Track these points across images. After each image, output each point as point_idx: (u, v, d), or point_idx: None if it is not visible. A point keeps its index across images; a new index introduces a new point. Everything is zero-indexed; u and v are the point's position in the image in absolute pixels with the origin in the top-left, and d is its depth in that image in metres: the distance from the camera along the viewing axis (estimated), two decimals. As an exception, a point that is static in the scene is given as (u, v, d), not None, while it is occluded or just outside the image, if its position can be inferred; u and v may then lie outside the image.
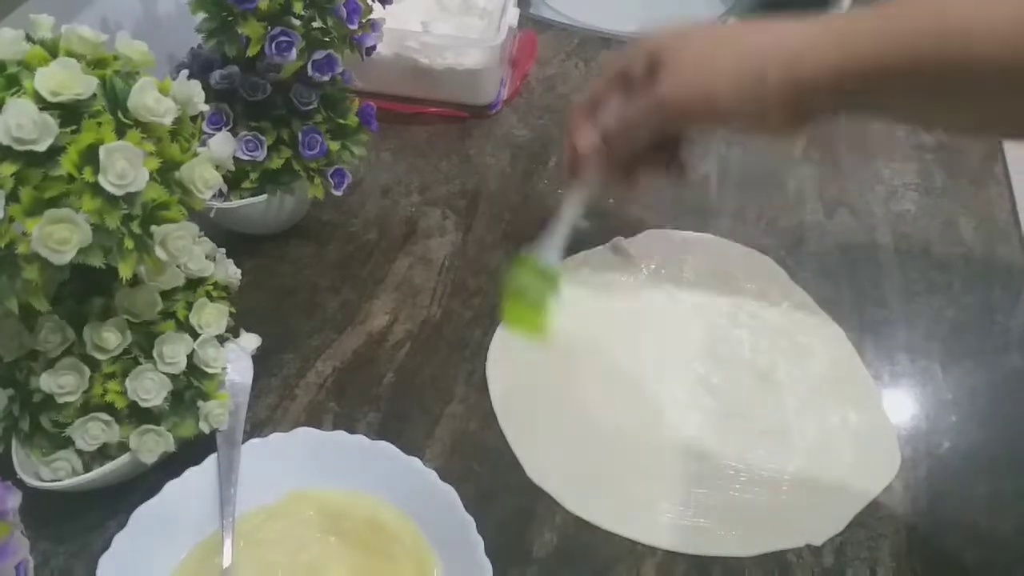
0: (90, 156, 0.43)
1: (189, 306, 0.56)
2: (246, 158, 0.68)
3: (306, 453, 0.58)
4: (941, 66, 0.48)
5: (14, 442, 0.54)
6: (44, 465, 0.53)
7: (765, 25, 0.55)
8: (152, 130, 0.46)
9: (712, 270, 0.77)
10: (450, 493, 0.55)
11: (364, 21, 0.69)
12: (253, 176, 0.70)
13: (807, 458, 0.63)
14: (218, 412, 0.56)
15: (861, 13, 0.51)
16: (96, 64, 0.46)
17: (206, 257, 0.59)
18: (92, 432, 0.52)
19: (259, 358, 0.62)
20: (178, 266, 0.55)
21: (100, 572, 0.51)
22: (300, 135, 0.70)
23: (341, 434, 0.59)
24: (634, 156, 0.62)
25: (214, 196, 0.50)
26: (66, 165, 0.42)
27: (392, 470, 0.57)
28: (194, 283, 0.57)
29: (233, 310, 0.59)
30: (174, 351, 0.53)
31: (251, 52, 0.64)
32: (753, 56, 0.53)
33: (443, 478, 0.56)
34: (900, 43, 0.49)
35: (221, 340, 0.57)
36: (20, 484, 0.51)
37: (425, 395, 0.66)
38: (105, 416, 0.52)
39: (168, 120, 0.46)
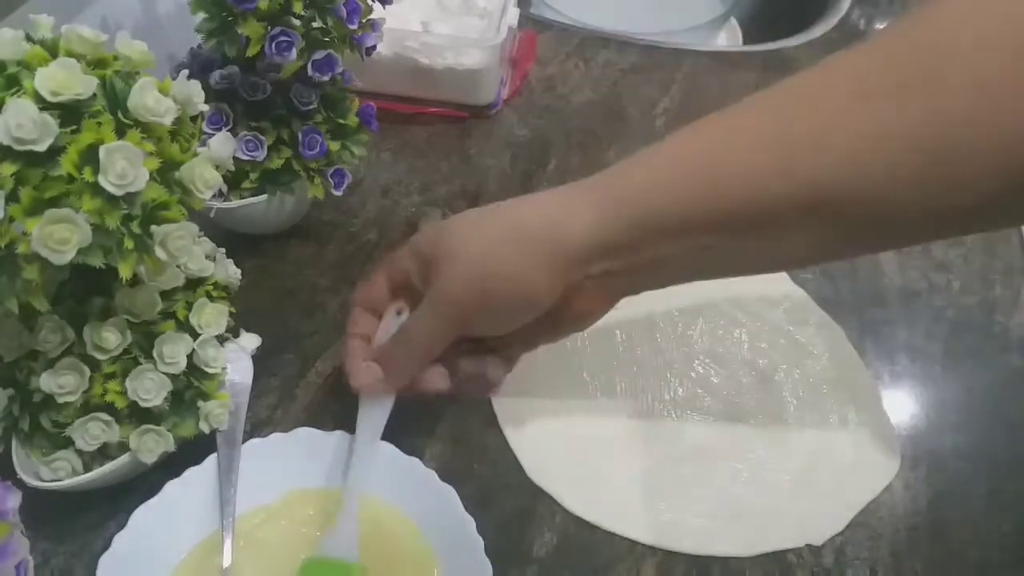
0: (90, 156, 0.43)
1: (189, 306, 0.56)
2: (246, 158, 0.68)
3: (306, 453, 0.59)
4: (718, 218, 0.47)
5: (14, 442, 0.54)
6: (44, 465, 0.53)
7: (529, 199, 0.53)
8: (152, 130, 0.46)
9: (712, 270, 0.77)
10: (450, 493, 0.55)
11: (364, 21, 0.68)
12: (253, 176, 0.70)
13: (807, 458, 0.63)
14: (218, 412, 0.56)
15: (627, 171, 0.51)
16: (96, 64, 0.46)
17: (206, 257, 0.59)
18: (92, 432, 0.52)
19: (259, 358, 0.62)
20: (178, 266, 0.55)
21: (100, 572, 0.51)
22: (300, 135, 0.70)
23: (341, 434, 0.59)
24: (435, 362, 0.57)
25: (214, 196, 0.50)
26: (66, 165, 0.42)
27: (392, 470, 0.57)
28: (194, 283, 0.57)
29: (233, 310, 0.59)
30: (174, 351, 0.53)
31: (251, 52, 0.64)
32: (520, 235, 0.51)
33: (443, 478, 0.56)
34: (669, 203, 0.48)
35: (221, 340, 0.57)
36: (20, 484, 0.51)
37: (425, 396, 0.66)
38: (105, 416, 0.52)
39: (168, 120, 0.46)
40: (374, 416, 0.59)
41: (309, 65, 0.67)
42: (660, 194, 0.49)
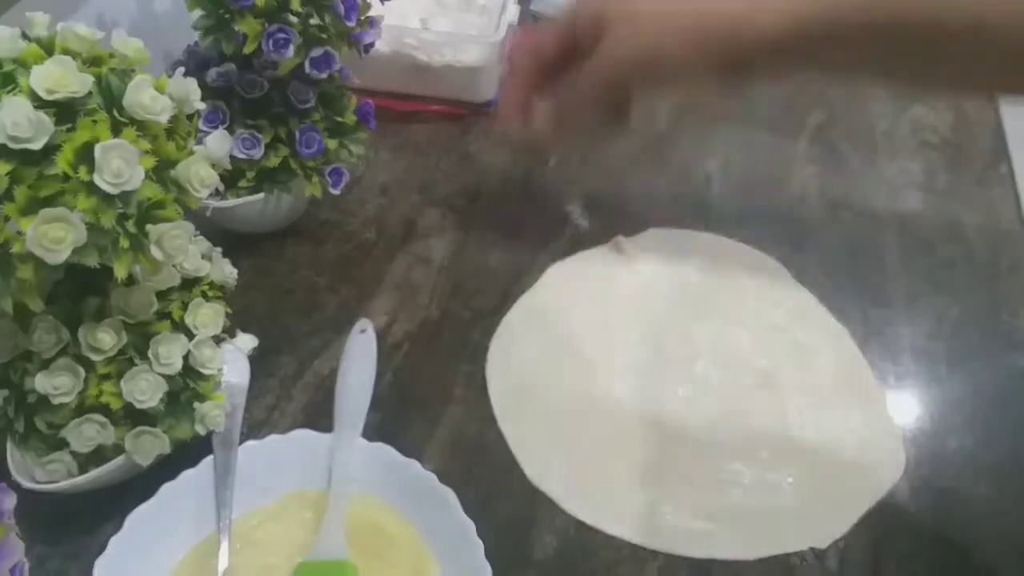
0: (85, 154, 0.42)
1: (185, 306, 0.55)
2: (243, 156, 0.68)
3: (303, 455, 0.58)
4: (899, 29, 0.49)
5: (9, 444, 0.54)
6: (39, 467, 0.53)
7: None
8: (148, 128, 0.46)
9: (714, 270, 0.76)
10: (449, 495, 0.55)
11: (362, 18, 0.68)
12: (250, 175, 0.69)
13: (810, 460, 0.63)
14: (214, 414, 0.55)
15: None
16: (92, 62, 0.46)
17: (202, 256, 0.58)
18: (87, 434, 0.52)
19: (256, 359, 0.62)
20: (174, 266, 0.55)
21: (96, 575, 0.50)
22: (298, 133, 0.69)
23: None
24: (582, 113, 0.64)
25: (210, 195, 0.50)
26: (61, 164, 0.42)
27: (391, 473, 0.57)
28: (190, 283, 0.57)
29: (229, 310, 0.59)
30: (170, 352, 0.53)
31: (248, 49, 0.63)
32: (698, 16, 0.54)
33: (442, 480, 0.55)
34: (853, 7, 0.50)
35: (217, 341, 0.57)
36: (15, 486, 0.51)
37: (424, 396, 0.66)
38: (100, 417, 0.52)
39: (164, 118, 0.46)
40: (354, 413, 0.60)
41: (307, 62, 0.66)
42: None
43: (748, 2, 0.53)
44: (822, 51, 0.52)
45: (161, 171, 0.46)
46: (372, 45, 0.71)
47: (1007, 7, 0.47)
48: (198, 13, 0.64)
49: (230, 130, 0.68)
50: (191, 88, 0.49)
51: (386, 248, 0.77)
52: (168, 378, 0.53)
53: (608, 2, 0.58)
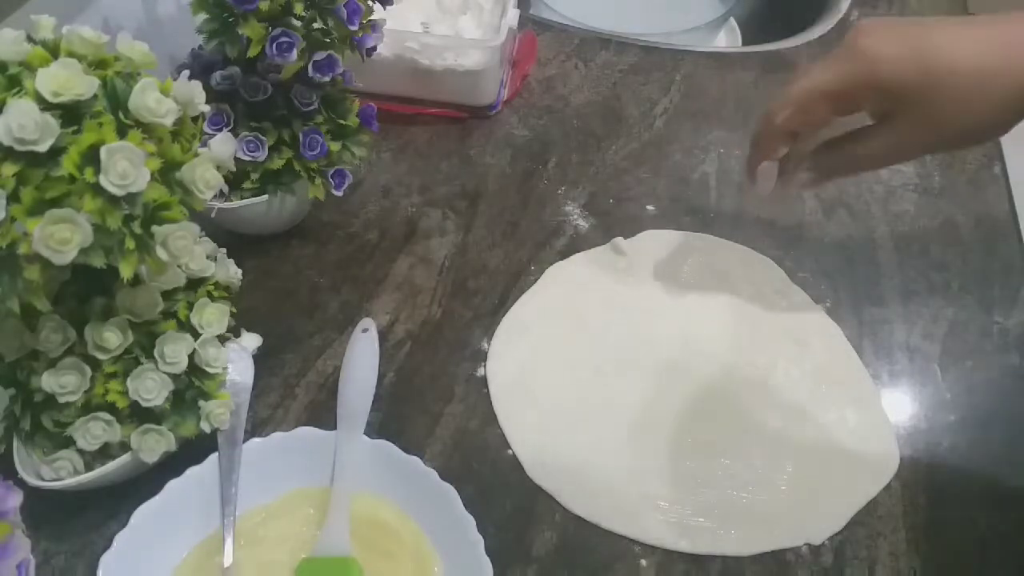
0: (91, 156, 0.43)
1: (190, 306, 0.56)
2: (247, 158, 0.68)
3: (307, 452, 0.59)
4: None
5: (15, 442, 0.55)
6: (45, 464, 0.53)
7: (1002, 36, 0.53)
8: (153, 131, 0.46)
9: (711, 270, 0.77)
10: (450, 492, 0.55)
11: (365, 22, 0.69)
12: (254, 176, 0.70)
13: (806, 457, 0.63)
14: (219, 412, 0.56)
15: None
16: (97, 65, 0.46)
17: (207, 257, 0.59)
18: (93, 432, 0.52)
19: (260, 358, 0.62)
20: (179, 266, 0.56)
21: (101, 571, 0.51)
22: (301, 135, 0.70)
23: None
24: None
25: (215, 196, 0.50)
26: (67, 165, 0.42)
27: (392, 469, 0.58)
28: (195, 283, 0.58)
29: (234, 310, 0.59)
30: (175, 351, 0.53)
31: (252, 53, 0.64)
32: (1013, 76, 0.52)
33: (443, 477, 0.56)
34: None
35: (222, 340, 0.57)
36: (21, 484, 0.51)
37: (425, 395, 0.66)
38: (106, 416, 0.52)
39: (169, 121, 0.46)
40: (356, 411, 0.61)
41: (310, 66, 0.67)
42: None
43: None
44: None
45: (166, 173, 0.47)
46: (374, 49, 0.72)
47: None
48: (202, 17, 0.64)
49: (234, 132, 0.69)
50: (196, 91, 0.49)
51: (388, 249, 0.78)
52: (174, 377, 0.54)
53: (905, 69, 0.54)
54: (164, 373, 0.53)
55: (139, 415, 0.53)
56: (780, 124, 0.61)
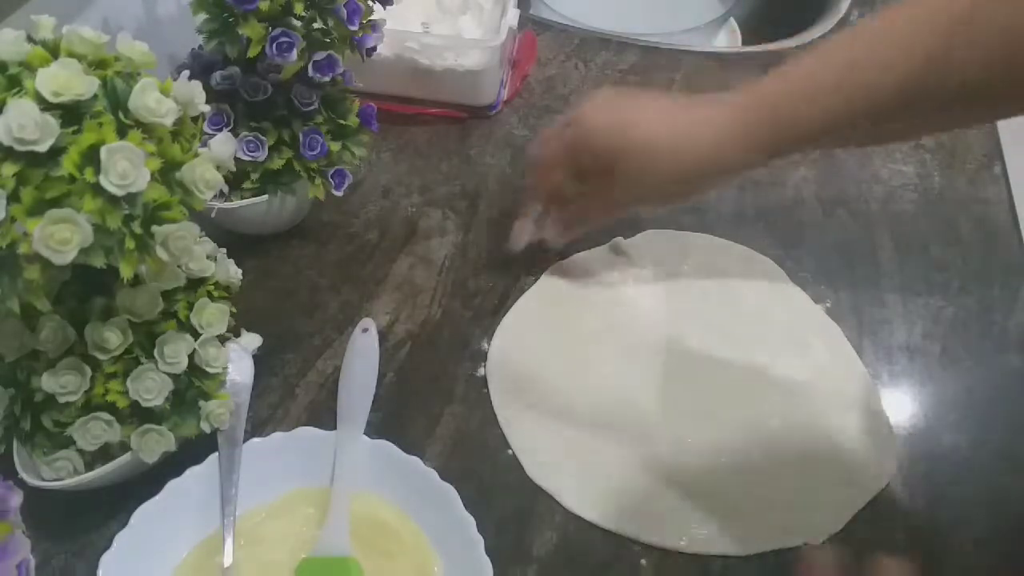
0: (91, 157, 0.43)
1: (190, 306, 0.56)
2: (247, 158, 0.68)
3: (307, 452, 0.59)
4: (853, 118, 0.58)
5: (15, 442, 0.55)
6: (45, 465, 0.53)
7: (700, 116, 0.63)
8: (153, 131, 0.46)
9: (711, 270, 0.77)
10: (450, 492, 0.55)
11: (365, 22, 0.69)
12: (254, 176, 0.70)
13: (806, 457, 0.64)
14: (219, 412, 0.56)
15: (773, 85, 0.60)
16: (97, 65, 0.46)
17: (207, 257, 0.59)
18: (93, 432, 0.52)
19: (260, 358, 0.62)
20: (179, 266, 0.56)
21: (101, 571, 0.51)
22: (301, 135, 0.70)
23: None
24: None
25: (215, 196, 0.50)
26: (67, 165, 0.42)
27: (392, 469, 0.58)
28: (195, 283, 0.58)
29: (234, 310, 0.59)
30: (175, 351, 0.53)
31: (252, 53, 0.64)
32: (702, 165, 0.63)
33: (443, 477, 0.56)
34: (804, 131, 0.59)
35: (222, 340, 0.57)
36: (21, 484, 0.52)
37: (425, 395, 0.66)
38: (106, 416, 0.52)
39: (169, 121, 0.46)
40: (356, 411, 0.61)
41: (310, 66, 0.67)
42: (805, 118, 0.59)
43: (733, 140, 0.61)
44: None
45: (166, 173, 0.47)
46: (374, 49, 0.72)
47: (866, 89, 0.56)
48: (202, 17, 0.64)
49: (234, 132, 0.69)
50: (196, 91, 0.49)
51: (388, 249, 0.78)
52: (174, 377, 0.54)
53: (612, 138, 0.64)
54: (164, 373, 0.53)
55: (139, 415, 0.53)
56: (527, 188, 0.72)
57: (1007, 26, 0.50)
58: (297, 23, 0.65)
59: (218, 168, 0.50)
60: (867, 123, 0.58)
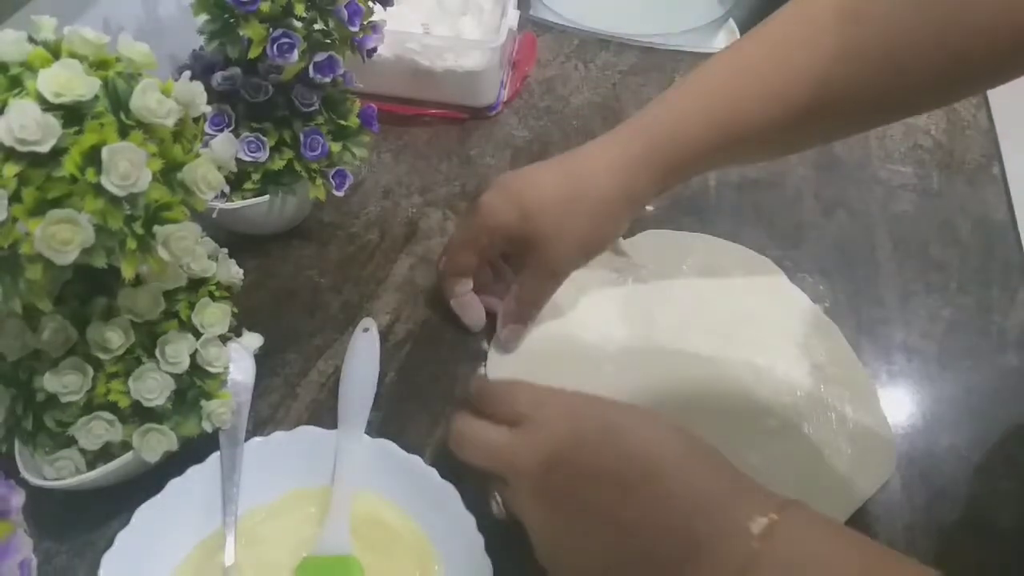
0: (93, 157, 0.43)
1: (192, 306, 0.56)
2: (248, 159, 0.69)
3: (308, 452, 0.59)
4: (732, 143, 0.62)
5: (17, 441, 0.55)
6: (47, 464, 0.53)
7: (601, 163, 0.63)
8: (154, 131, 0.46)
9: (711, 270, 0.77)
10: (451, 491, 0.55)
11: (365, 23, 0.69)
12: (255, 177, 0.70)
13: (804, 457, 0.64)
14: (221, 411, 0.56)
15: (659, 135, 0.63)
16: (98, 65, 0.47)
17: (208, 257, 0.59)
18: (95, 431, 0.52)
19: (261, 357, 0.62)
20: (181, 266, 0.56)
21: (103, 570, 0.51)
22: (302, 136, 0.70)
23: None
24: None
25: (216, 197, 0.50)
26: (69, 166, 0.43)
27: (393, 468, 0.58)
28: (197, 283, 0.58)
29: (235, 310, 0.60)
30: (177, 351, 0.54)
31: (253, 54, 0.64)
32: (606, 211, 0.65)
33: (444, 476, 0.56)
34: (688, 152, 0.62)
35: (224, 340, 0.57)
36: (24, 483, 0.52)
37: (426, 394, 0.66)
38: (108, 415, 0.52)
39: (170, 121, 0.46)
40: (357, 410, 0.61)
41: (310, 67, 0.67)
42: (692, 150, 0.63)
43: (629, 177, 0.63)
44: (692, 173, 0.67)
45: (168, 173, 0.47)
46: (375, 50, 0.72)
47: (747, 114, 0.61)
48: (203, 18, 0.65)
49: (235, 133, 0.69)
50: (197, 92, 0.50)
51: (388, 249, 0.78)
52: (175, 376, 0.54)
53: (509, 214, 0.64)
54: (166, 373, 0.53)
55: (141, 415, 0.54)
56: (440, 270, 0.71)
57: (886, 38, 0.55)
58: (298, 24, 0.65)
59: (219, 168, 0.50)
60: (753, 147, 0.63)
